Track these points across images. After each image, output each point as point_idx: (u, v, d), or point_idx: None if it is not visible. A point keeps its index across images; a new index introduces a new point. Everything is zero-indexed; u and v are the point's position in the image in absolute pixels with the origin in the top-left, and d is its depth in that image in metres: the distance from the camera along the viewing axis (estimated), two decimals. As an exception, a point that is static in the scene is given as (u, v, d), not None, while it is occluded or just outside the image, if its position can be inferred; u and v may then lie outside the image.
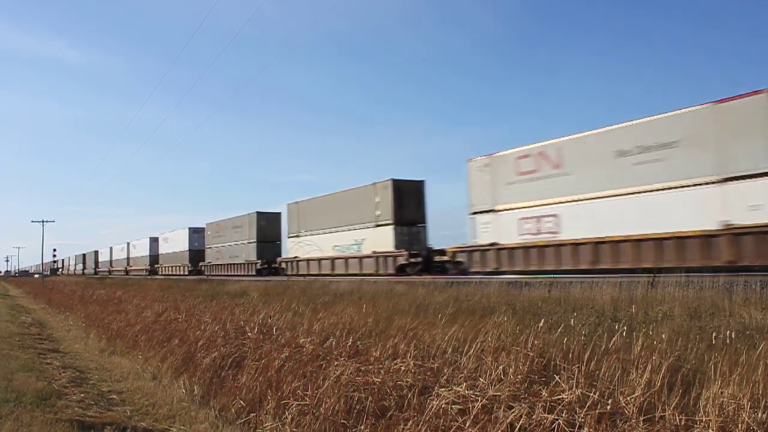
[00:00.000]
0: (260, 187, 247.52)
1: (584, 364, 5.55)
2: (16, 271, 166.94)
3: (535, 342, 6.40)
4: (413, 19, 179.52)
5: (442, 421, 5.24)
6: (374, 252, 30.99)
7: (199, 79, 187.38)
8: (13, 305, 32.03)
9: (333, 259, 34.58)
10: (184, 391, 8.78)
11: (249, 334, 10.00)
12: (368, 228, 31.54)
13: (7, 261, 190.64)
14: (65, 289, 40.68)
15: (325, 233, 35.84)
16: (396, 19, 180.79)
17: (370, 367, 6.82)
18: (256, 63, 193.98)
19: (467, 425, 5.03)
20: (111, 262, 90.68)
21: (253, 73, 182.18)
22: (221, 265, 51.44)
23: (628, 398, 4.85)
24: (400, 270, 29.04)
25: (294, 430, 6.16)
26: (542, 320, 7.74)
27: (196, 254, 57.28)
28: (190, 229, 58.87)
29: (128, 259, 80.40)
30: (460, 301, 12.52)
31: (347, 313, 10.53)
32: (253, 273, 44.08)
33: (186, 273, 56.67)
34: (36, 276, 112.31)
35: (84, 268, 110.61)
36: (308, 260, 37.25)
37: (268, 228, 45.73)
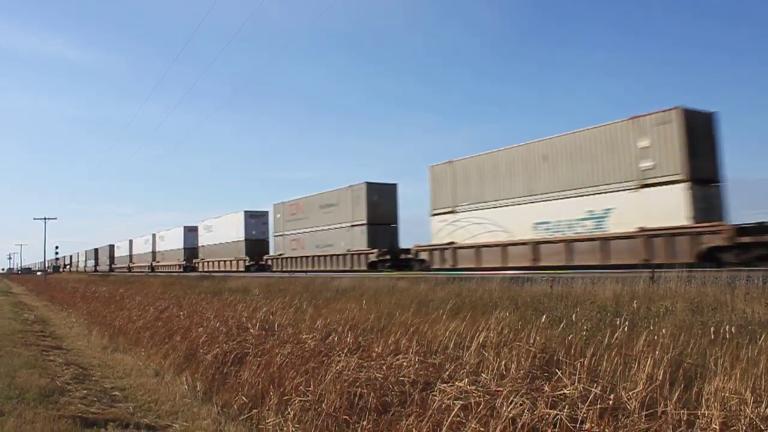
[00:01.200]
0: (261, 185, 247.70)
1: (586, 359, 5.55)
2: (19, 268, 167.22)
3: (537, 337, 6.40)
4: (414, 15, 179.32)
5: (444, 416, 5.24)
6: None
7: (200, 77, 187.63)
8: (16, 302, 32.09)
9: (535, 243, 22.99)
10: (186, 387, 8.79)
11: (251, 330, 10.00)
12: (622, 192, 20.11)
13: (10, 258, 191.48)
14: (67, 287, 40.72)
15: (516, 204, 24.01)
16: (397, 16, 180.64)
17: (372, 362, 6.82)
18: (256, 61, 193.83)
19: (469, 421, 5.02)
20: (131, 257, 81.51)
21: (253, 70, 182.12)
22: (303, 258, 39.37)
23: (630, 393, 4.85)
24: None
25: (296, 426, 6.16)
26: (544, 316, 7.74)
27: (256, 245, 47.75)
28: (246, 212, 48.88)
29: (154, 253, 70.29)
30: (462, 296, 12.50)
31: (349, 309, 10.53)
32: (364, 268, 32.40)
33: (241, 269, 47.33)
34: (38, 273, 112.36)
35: (96, 264, 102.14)
36: (478, 247, 25.27)
37: (381, 205, 34.01)
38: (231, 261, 49.25)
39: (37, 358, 11.56)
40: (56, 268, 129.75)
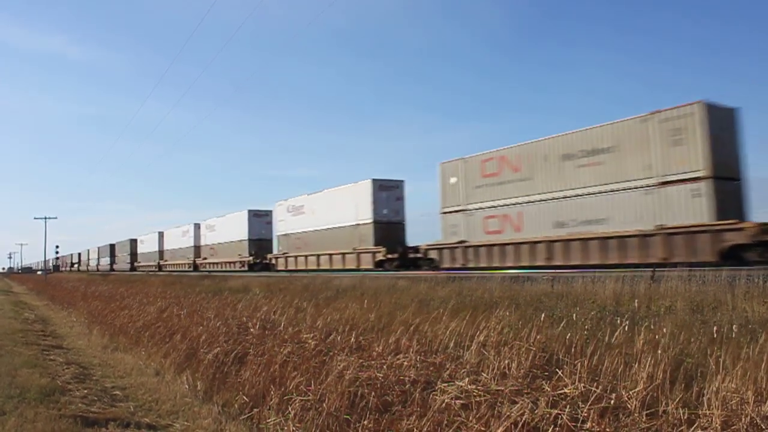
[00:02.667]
0: (262, 183, 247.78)
1: (587, 358, 5.55)
2: (19, 267, 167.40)
3: (538, 336, 6.40)
4: (416, 13, 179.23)
5: (445, 416, 5.24)
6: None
7: (201, 75, 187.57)
8: (17, 302, 32.11)
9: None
10: (187, 386, 8.80)
11: (252, 329, 10.01)
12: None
13: (10, 258, 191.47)
14: (68, 286, 40.74)
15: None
16: (399, 14, 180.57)
17: (373, 362, 6.82)
18: (258, 58, 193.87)
19: (470, 420, 5.03)
20: (161, 252, 69.13)
21: (254, 68, 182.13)
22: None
23: (631, 392, 4.85)
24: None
25: (297, 425, 6.16)
26: (544, 315, 7.75)
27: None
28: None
29: (198, 247, 58.41)
30: (462, 295, 12.52)
31: (350, 308, 10.53)
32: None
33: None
34: (39, 273, 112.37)
35: (112, 262, 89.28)
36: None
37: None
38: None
39: (38, 358, 11.57)
40: (56, 268, 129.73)
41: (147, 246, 75.01)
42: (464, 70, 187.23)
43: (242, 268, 46.02)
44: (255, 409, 7.00)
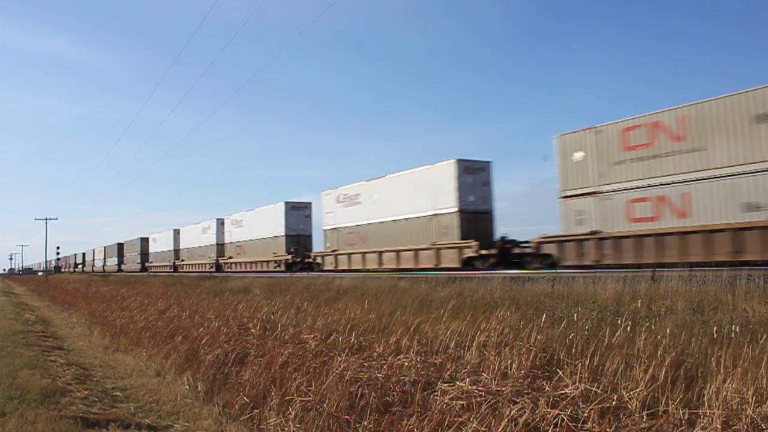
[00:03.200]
0: (264, 185, 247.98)
1: (587, 358, 5.55)
2: (20, 269, 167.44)
3: (539, 337, 6.40)
4: (418, 13, 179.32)
5: (445, 416, 5.24)
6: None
7: (202, 76, 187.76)
8: (18, 303, 32.11)
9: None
10: (187, 387, 8.80)
11: (252, 330, 10.01)
12: None
13: (11, 259, 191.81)
14: (69, 287, 40.76)
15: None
16: (400, 14, 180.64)
17: (374, 362, 6.83)
18: (259, 59, 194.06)
19: (471, 420, 5.02)
20: (177, 252, 63.20)
21: (256, 69, 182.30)
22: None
23: (632, 393, 4.85)
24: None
25: (298, 426, 6.16)
26: (545, 315, 7.74)
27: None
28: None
29: (220, 246, 52.07)
30: (463, 296, 12.51)
31: (350, 309, 10.53)
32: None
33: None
34: (40, 274, 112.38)
35: (120, 263, 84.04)
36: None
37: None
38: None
39: (39, 359, 11.57)
40: (57, 269, 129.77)
41: (160, 245, 69.09)
42: (467, 70, 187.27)
43: (278, 268, 40.15)
44: (256, 410, 7.00)
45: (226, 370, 8.72)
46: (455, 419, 5.14)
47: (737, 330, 6.36)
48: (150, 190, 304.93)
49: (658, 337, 6.09)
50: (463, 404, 5.31)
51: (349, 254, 33.04)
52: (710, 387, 4.70)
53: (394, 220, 29.96)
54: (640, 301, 9.33)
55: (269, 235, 42.85)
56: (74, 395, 8.45)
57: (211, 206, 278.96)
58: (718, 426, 4.25)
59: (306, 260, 38.44)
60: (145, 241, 75.26)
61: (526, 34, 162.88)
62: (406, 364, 6.55)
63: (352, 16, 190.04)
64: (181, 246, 62.77)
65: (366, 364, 6.80)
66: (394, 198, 30.19)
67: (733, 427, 4.22)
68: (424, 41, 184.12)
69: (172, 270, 61.74)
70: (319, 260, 36.33)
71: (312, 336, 8.68)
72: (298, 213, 41.88)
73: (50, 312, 25.95)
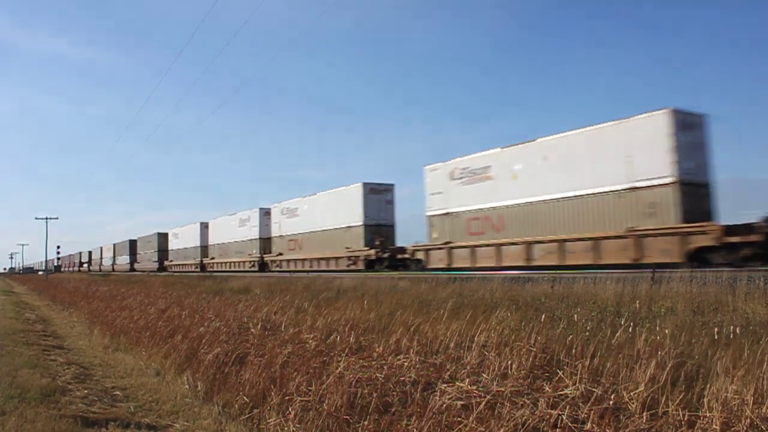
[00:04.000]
0: (265, 184, 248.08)
1: (588, 359, 5.55)
2: (21, 268, 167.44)
3: (538, 337, 6.39)
4: (418, 12, 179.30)
5: (445, 416, 5.24)
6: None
7: (203, 75, 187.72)
8: (18, 302, 32.13)
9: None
10: (187, 387, 8.80)
11: (252, 330, 10.01)
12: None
13: (11, 258, 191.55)
14: (69, 286, 40.77)
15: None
16: (404, 14, 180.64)
17: (373, 362, 6.83)
18: (260, 59, 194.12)
19: (471, 421, 5.02)
20: (205, 248, 54.71)
21: (257, 69, 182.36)
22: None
23: (632, 394, 4.85)
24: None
25: (297, 425, 6.16)
26: (544, 315, 7.74)
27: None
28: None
29: (265, 240, 44.26)
30: (463, 296, 12.50)
31: (350, 308, 10.53)
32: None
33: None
34: (40, 273, 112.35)
35: (133, 261, 77.50)
36: (473, 247, 25.34)
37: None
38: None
39: (39, 358, 11.58)
40: (58, 268, 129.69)
41: (183, 240, 60.02)
42: (470, 70, 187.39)
43: (353, 266, 32.77)
44: (255, 410, 7.00)
45: (226, 369, 8.72)
46: (455, 419, 5.14)
47: (737, 331, 6.35)
48: (151, 190, 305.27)
49: (659, 338, 6.08)
50: (462, 404, 5.31)
51: (472, 247, 25.38)
52: (710, 388, 4.69)
53: (547, 201, 22.70)
54: (638, 302, 9.31)
55: (339, 225, 34.93)
56: (74, 394, 8.45)
57: (211, 206, 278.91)
58: (718, 427, 4.24)
59: (398, 255, 30.65)
60: (163, 237, 67.04)
61: (528, 33, 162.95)
62: (405, 364, 6.55)
63: (353, 15, 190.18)
64: (211, 241, 53.86)
65: (366, 364, 6.80)
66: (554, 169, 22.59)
67: (733, 429, 4.22)
68: (427, 41, 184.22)
69: (198, 269, 53.55)
70: (420, 255, 28.63)
71: (312, 336, 8.68)
72: (379, 197, 33.55)
73: (50, 311, 25.96)
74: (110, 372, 10.65)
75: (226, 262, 49.65)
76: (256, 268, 43.64)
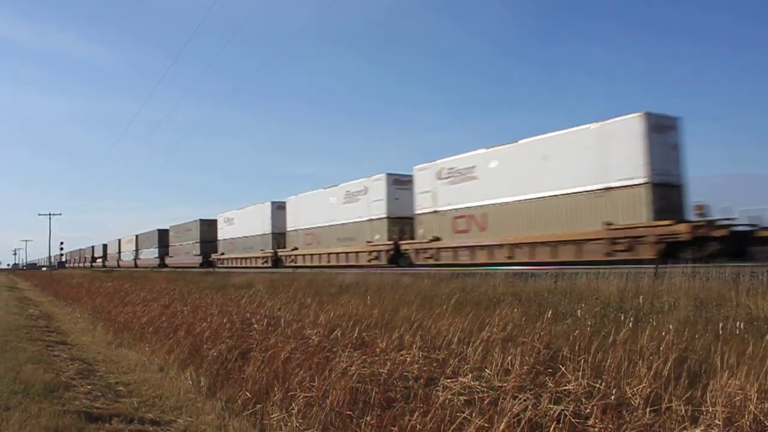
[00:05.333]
0: (267, 181, 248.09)
1: (590, 355, 5.54)
2: (24, 264, 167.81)
3: (541, 333, 6.39)
4: (419, 12, 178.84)
5: (448, 412, 5.24)
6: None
7: (204, 73, 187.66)
8: (21, 298, 32.18)
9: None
10: (190, 382, 8.81)
11: (255, 326, 10.02)
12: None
13: (15, 254, 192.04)
14: (72, 282, 40.82)
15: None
16: (401, 13, 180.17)
17: (376, 358, 6.83)
18: (261, 56, 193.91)
19: (473, 416, 5.02)
20: (279, 236, 41.59)
21: (255, 67, 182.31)
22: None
23: (635, 389, 4.85)
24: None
25: (300, 421, 6.17)
26: (548, 311, 7.74)
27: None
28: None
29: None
30: (466, 292, 12.50)
31: (353, 304, 10.53)
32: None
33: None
34: (43, 269, 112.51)
35: (163, 254, 66.17)
36: (456, 248, 26.84)
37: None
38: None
39: (42, 353, 11.60)
40: (62, 264, 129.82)
41: (240, 227, 47.67)
42: (466, 69, 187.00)
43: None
44: (258, 405, 7.00)
45: (229, 365, 8.73)
46: (457, 415, 5.15)
47: (741, 327, 6.35)
48: (153, 187, 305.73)
49: (662, 333, 6.08)
50: (465, 400, 5.31)
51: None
52: (713, 384, 4.69)
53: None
54: (641, 297, 9.30)
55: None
56: (78, 390, 8.46)
57: (211, 203, 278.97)
58: (721, 423, 4.24)
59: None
60: (208, 224, 55.14)
61: (526, 33, 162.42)
62: (408, 359, 6.55)
63: (353, 15, 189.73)
64: (291, 226, 40.75)
65: (369, 360, 6.80)
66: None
67: (736, 424, 4.22)
68: (423, 40, 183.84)
69: (270, 264, 40.96)
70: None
71: (315, 331, 8.69)
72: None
73: (54, 307, 26.00)
74: (114, 368, 10.67)
75: (322, 254, 36.54)
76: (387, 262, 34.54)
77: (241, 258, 44.42)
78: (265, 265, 41.27)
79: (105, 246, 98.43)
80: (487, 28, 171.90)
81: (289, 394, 6.73)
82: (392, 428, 5.44)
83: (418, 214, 29.00)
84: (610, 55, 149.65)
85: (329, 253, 35.85)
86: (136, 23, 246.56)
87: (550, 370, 5.57)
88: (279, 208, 40.63)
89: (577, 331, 6.36)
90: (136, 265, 72.89)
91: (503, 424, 4.78)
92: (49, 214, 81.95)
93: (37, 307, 25.55)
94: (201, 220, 56.66)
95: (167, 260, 65.02)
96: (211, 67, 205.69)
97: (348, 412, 5.92)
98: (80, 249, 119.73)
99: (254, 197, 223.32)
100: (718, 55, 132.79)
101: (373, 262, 31.29)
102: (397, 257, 30.20)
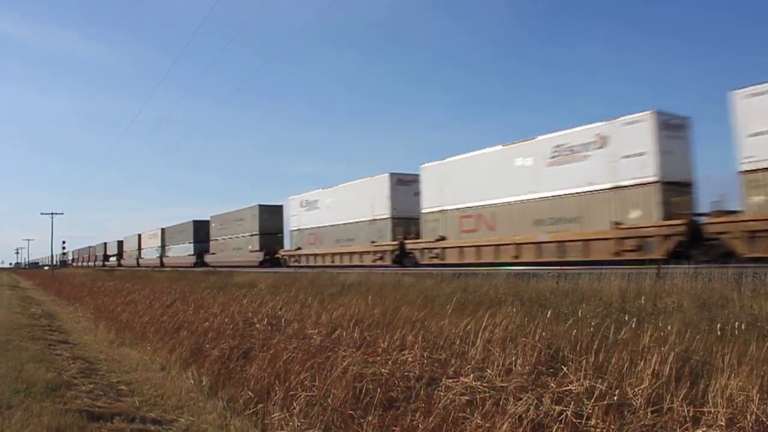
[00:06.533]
0: (264, 181, 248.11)
1: (592, 355, 5.53)
2: (26, 263, 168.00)
3: (543, 333, 6.38)
4: (421, 12, 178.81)
5: (450, 412, 5.24)
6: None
7: (205, 72, 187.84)
8: (24, 297, 32.22)
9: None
10: (192, 382, 8.82)
11: (257, 325, 10.02)
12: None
13: (17, 253, 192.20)
14: (75, 281, 40.86)
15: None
16: (404, 13, 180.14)
17: (378, 358, 6.83)
18: (262, 57, 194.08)
19: (475, 416, 5.02)
20: (404, 223, 30.47)
21: (256, 67, 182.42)
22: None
23: (636, 389, 4.84)
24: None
25: (302, 420, 6.17)
26: (549, 311, 7.72)
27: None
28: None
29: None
30: (467, 292, 12.48)
31: (355, 304, 10.53)
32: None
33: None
34: (45, 268, 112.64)
35: (201, 251, 53.97)
36: (461, 247, 26.23)
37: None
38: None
39: (44, 352, 11.62)
40: (63, 263, 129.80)
41: (331, 212, 36.18)
42: (467, 69, 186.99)
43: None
44: (260, 405, 7.01)
45: (231, 365, 8.74)
46: (459, 415, 5.14)
47: (743, 327, 6.33)
48: (154, 186, 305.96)
49: (664, 334, 6.07)
50: (467, 400, 5.31)
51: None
52: (715, 384, 4.68)
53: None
54: (643, 298, 9.28)
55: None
56: (79, 389, 8.47)
57: (211, 203, 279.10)
58: (723, 423, 4.23)
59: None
60: (269, 212, 43.55)
61: (527, 32, 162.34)
62: (410, 359, 6.55)
63: (354, 14, 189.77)
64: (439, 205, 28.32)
65: (370, 360, 6.80)
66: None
67: (738, 425, 4.21)
68: (425, 40, 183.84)
69: (388, 261, 30.39)
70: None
71: (316, 331, 8.68)
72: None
73: (56, 306, 26.04)
74: (115, 367, 10.68)
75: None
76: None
77: (334, 254, 34.93)
78: (380, 263, 30.54)
79: (120, 243, 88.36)
80: (488, 28, 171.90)
81: (291, 393, 6.73)
82: (394, 428, 5.44)
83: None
84: (611, 55, 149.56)
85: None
86: (138, 23, 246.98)
87: (551, 370, 5.57)
88: (401, 183, 31.29)
89: (576, 331, 6.35)
90: (162, 264, 62.16)
91: (505, 424, 4.78)
92: (51, 214, 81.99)
93: (39, 306, 25.58)
94: (261, 206, 43.47)
95: (208, 258, 52.46)
96: (212, 66, 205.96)
97: (350, 412, 5.92)
98: (89, 246, 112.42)
99: (254, 197, 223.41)
100: (718, 56, 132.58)
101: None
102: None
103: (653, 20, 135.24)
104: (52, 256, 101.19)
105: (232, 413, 7.15)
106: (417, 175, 29.39)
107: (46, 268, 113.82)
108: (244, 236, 46.27)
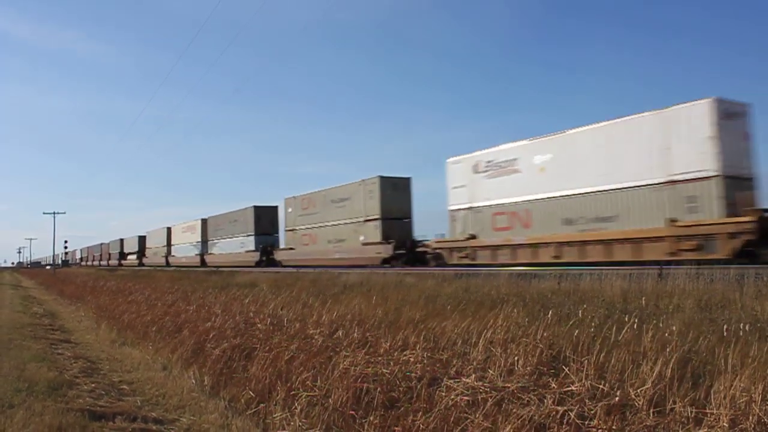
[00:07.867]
0: (269, 180, 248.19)
1: (594, 356, 5.53)
2: (29, 262, 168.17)
3: (545, 334, 6.38)
4: (422, 12, 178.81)
5: (451, 412, 5.23)
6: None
7: (207, 72, 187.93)
8: (26, 296, 32.25)
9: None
10: (194, 381, 8.82)
11: (259, 325, 10.02)
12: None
13: (20, 252, 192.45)
14: (76, 281, 40.89)
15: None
16: (405, 13, 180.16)
17: (379, 358, 6.82)
18: (262, 57, 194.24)
19: (477, 417, 5.02)
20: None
21: (257, 67, 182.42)
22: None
23: (638, 390, 4.83)
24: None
25: (303, 420, 6.17)
26: (551, 312, 7.72)
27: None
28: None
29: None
30: (469, 292, 12.49)
31: (356, 304, 10.53)
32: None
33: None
34: (47, 267, 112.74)
35: (265, 245, 42.76)
36: (496, 246, 24.43)
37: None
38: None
39: (46, 352, 11.62)
40: (65, 262, 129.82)
41: (532, 179, 23.05)
42: (468, 69, 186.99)
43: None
44: (261, 405, 7.01)
45: (233, 364, 8.74)
46: (461, 415, 5.14)
47: (746, 329, 6.32)
48: (153, 187, 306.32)
49: (666, 334, 6.06)
50: (468, 400, 5.30)
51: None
52: (717, 385, 4.68)
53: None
54: (644, 298, 9.28)
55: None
56: (81, 388, 8.48)
57: (212, 202, 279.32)
58: (725, 424, 4.23)
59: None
60: (393, 187, 32.03)
61: (528, 32, 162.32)
62: (412, 359, 6.55)
63: (354, 14, 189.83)
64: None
65: (372, 360, 6.80)
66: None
67: (740, 426, 4.20)
68: (426, 39, 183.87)
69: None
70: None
71: (318, 331, 8.68)
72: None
73: (58, 305, 26.06)
74: (117, 366, 10.68)
75: None
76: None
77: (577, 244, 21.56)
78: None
79: (142, 238, 74.50)
80: (490, 28, 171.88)
81: (292, 393, 6.73)
82: (395, 428, 5.44)
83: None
84: (613, 55, 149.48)
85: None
86: (140, 23, 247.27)
87: (553, 371, 5.56)
88: (728, 117, 18.26)
89: (578, 332, 6.35)
90: (203, 263, 51.65)
91: (507, 425, 4.77)
92: (53, 213, 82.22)
93: (41, 305, 25.61)
94: (382, 177, 31.94)
95: (278, 255, 41.37)
96: (214, 67, 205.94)
97: (351, 412, 5.92)
98: (101, 244, 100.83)
99: (254, 197, 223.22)
100: (718, 56, 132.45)
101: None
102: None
103: (653, 20, 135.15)
104: (54, 255, 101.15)
105: (234, 413, 7.15)
106: (746, 105, 19.14)
107: (47, 267, 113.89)
108: (348, 224, 34.33)
